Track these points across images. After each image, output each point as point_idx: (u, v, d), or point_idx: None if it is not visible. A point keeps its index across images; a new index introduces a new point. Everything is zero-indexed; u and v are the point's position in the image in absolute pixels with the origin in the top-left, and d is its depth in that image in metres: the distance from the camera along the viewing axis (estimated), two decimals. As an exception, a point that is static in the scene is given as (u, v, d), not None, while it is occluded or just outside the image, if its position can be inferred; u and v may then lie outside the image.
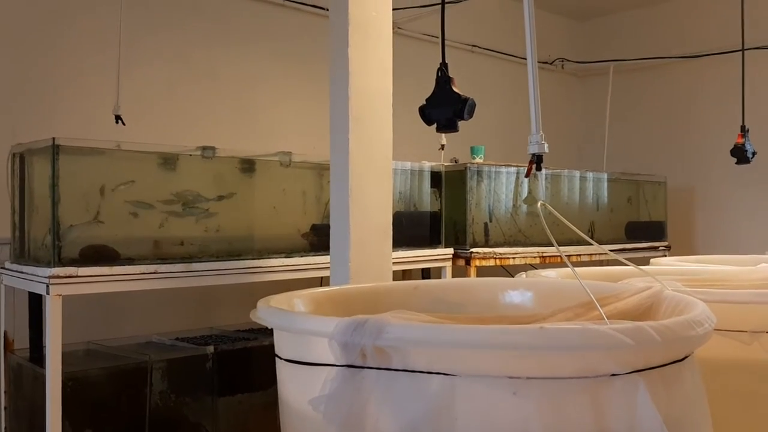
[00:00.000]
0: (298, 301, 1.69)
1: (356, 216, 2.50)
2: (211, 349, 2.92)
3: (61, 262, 2.51)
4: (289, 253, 3.15)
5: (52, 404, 2.44)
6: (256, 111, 4.08)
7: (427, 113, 1.99)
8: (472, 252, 3.72)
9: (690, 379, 1.34)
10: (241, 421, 2.96)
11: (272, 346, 3.11)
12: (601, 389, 1.15)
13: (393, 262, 2.64)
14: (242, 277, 2.94)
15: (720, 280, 2.25)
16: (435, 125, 2.01)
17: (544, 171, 3.53)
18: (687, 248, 5.27)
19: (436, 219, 3.77)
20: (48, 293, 2.44)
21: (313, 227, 3.32)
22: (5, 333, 2.94)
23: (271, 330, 3.34)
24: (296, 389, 1.37)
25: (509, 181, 4.01)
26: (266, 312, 1.43)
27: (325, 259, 2.95)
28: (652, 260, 2.99)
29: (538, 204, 1.43)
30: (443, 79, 1.96)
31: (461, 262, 3.74)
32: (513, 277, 2.15)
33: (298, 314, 1.57)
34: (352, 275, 2.48)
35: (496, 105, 5.07)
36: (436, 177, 3.80)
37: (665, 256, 4.62)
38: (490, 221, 3.90)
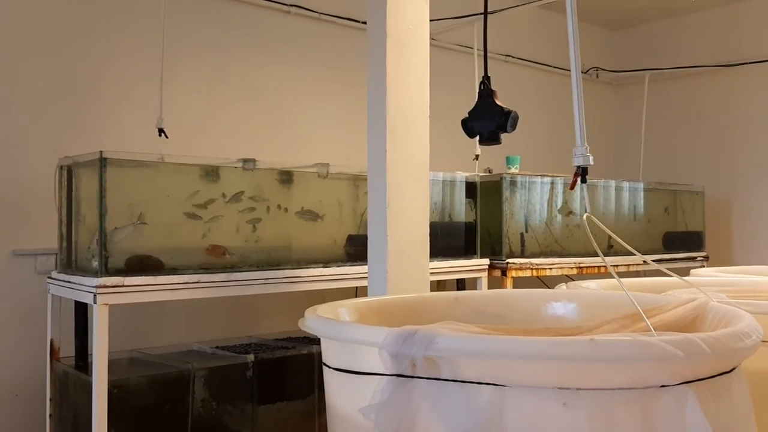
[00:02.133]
0: (343, 310, 1.72)
1: (393, 227, 2.52)
2: (251, 357, 2.96)
3: (108, 272, 2.57)
4: (327, 263, 3.18)
5: (99, 411, 2.50)
6: (293, 122, 4.14)
7: (469, 126, 2.01)
8: (508, 263, 3.71)
9: (738, 390, 1.34)
10: (280, 429, 2.99)
11: (311, 354, 3.15)
12: (651, 400, 1.16)
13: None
14: (281, 287, 2.99)
15: (764, 291, 2.23)
16: (477, 138, 2.02)
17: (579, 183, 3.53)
18: (725, 258, 5.20)
19: (471, 229, 3.78)
20: (95, 302, 2.50)
21: (350, 237, 3.36)
22: (51, 341, 3.01)
23: (310, 339, 3.38)
24: (345, 397, 1.39)
25: (544, 191, 4.00)
26: (315, 321, 1.46)
27: (362, 269, 2.98)
28: (692, 271, 2.97)
29: (584, 216, 1.44)
30: (486, 92, 1.97)
31: (497, 273, 3.74)
32: (549, 287, 2.15)
33: (347, 324, 1.59)
34: (390, 286, 2.50)
35: (530, 114, 5.04)
36: (470, 187, 3.80)
37: (703, 266, 4.57)
38: (526, 231, 3.89)
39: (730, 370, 1.30)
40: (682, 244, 4.83)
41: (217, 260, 2.87)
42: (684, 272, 2.93)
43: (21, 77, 3.26)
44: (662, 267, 1.81)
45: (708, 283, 2.30)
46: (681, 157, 5.72)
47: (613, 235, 1.53)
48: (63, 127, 3.34)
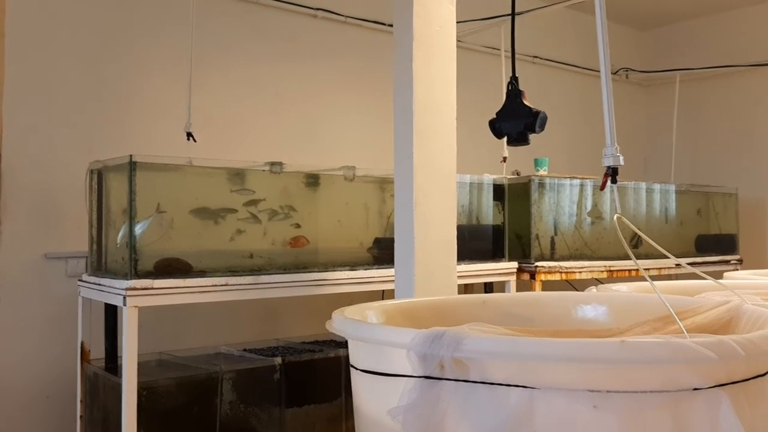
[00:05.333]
0: (371, 313, 1.71)
1: (420, 229, 2.51)
2: (278, 360, 2.96)
3: (137, 275, 2.60)
4: (353, 266, 3.19)
5: (128, 413, 2.52)
6: (320, 126, 4.15)
7: (497, 127, 2.00)
8: (537, 266, 3.67)
9: (773, 395, 1.30)
10: (308, 432, 3.00)
11: (338, 358, 3.16)
12: (683, 403, 1.14)
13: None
14: (308, 290, 2.99)
15: (800, 295, 2.17)
16: (505, 139, 2.01)
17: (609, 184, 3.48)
18: (760, 261, 5.10)
19: (499, 232, 3.75)
20: (125, 305, 2.53)
21: (376, 240, 3.35)
22: (82, 343, 3.05)
23: (337, 342, 3.38)
24: (373, 399, 1.39)
25: (573, 194, 3.96)
26: (343, 323, 1.45)
27: (389, 272, 2.97)
28: (725, 274, 2.91)
29: (615, 217, 1.41)
30: (514, 92, 1.96)
31: (526, 276, 3.71)
32: (579, 291, 2.13)
33: (375, 325, 1.58)
34: (417, 289, 2.49)
35: (558, 116, 5.02)
36: (498, 190, 3.78)
37: (737, 269, 4.48)
38: (555, 234, 3.85)
39: (765, 373, 1.27)
40: (715, 247, 4.75)
41: (240, 262, 2.88)
42: (717, 276, 2.88)
43: (53, 83, 3.31)
44: (696, 269, 1.78)
45: (742, 285, 2.26)
46: (713, 159, 5.63)
47: (644, 236, 1.50)
48: (94, 132, 3.39)
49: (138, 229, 2.63)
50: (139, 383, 2.55)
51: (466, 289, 3.78)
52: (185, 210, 2.82)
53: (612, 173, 1.50)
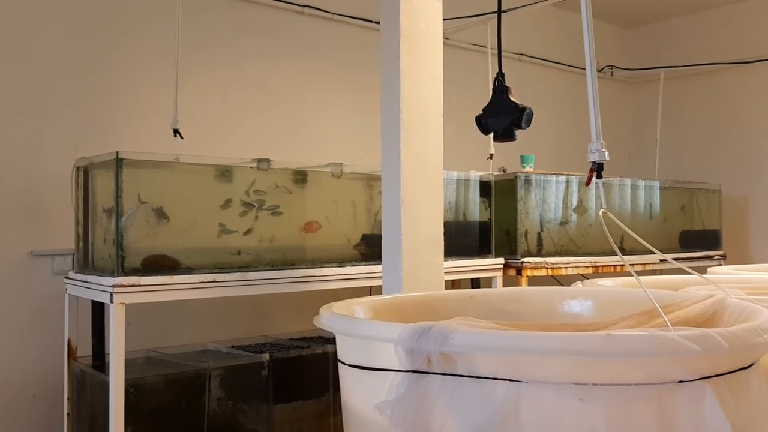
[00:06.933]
0: (358, 308, 1.72)
1: (408, 226, 2.52)
2: (266, 356, 2.96)
3: (124, 272, 2.59)
4: (341, 262, 3.19)
5: (115, 410, 2.52)
6: (307, 122, 4.15)
7: (484, 123, 2.01)
8: (523, 262, 3.70)
9: (756, 386, 1.32)
10: (295, 428, 3.00)
11: (326, 354, 3.16)
12: (668, 396, 1.15)
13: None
14: (296, 286, 2.99)
15: (782, 289, 2.20)
16: (491, 135, 2.02)
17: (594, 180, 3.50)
18: (742, 257, 5.15)
19: (485, 229, 3.77)
20: (112, 302, 2.52)
21: (364, 237, 3.36)
22: (69, 341, 3.03)
23: (325, 339, 3.38)
24: (361, 394, 1.39)
25: (559, 190, 3.98)
26: (331, 318, 1.46)
27: (376, 268, 2.98)
28: (709, 269, 2.94)
29: (600, 212, 1.43)
30: (500, 88, 1.97)
31: (512, 272, 3.73)
32: (565, 286, 2.14)
33: (363, 320, 1.59)
34: (404, 285, 2.50)
35: (544, 112, 5.03)
36: (485, 186, 3.80)
37: (720, 265, 4.53)
38: (541, 230, 3.88)
39: (749, 366, 1.29)
40: (699, 242, 4.79)
41: (227, 259, 2.87)
42: (701, 271, 2.90)
43: (38, 79, 3.29)
44: (682, 264, 1.80)
45: (726, 280, 2.28)
46: (697, 156, 5.68)
47: (630, 232, 1.52)
48: (80, 129, 3.37)
49: (123, 220, 2.62)
50: (126, 380, 2.54)
51: (453, 284, 3.79)
52: (172, 207, 2.81)
53: (597, 169, 1.52)
